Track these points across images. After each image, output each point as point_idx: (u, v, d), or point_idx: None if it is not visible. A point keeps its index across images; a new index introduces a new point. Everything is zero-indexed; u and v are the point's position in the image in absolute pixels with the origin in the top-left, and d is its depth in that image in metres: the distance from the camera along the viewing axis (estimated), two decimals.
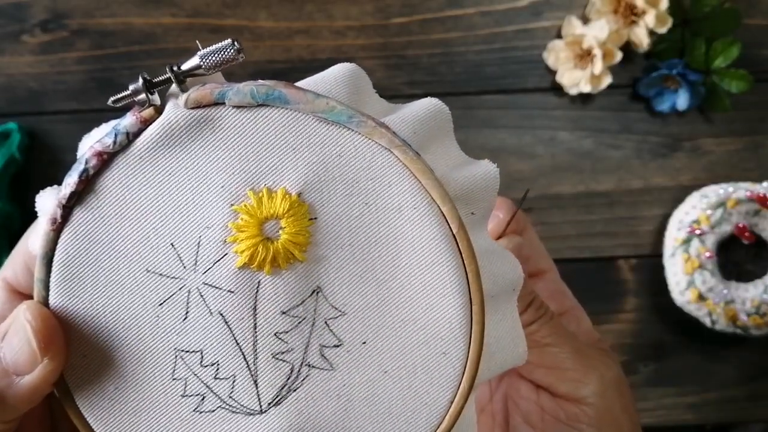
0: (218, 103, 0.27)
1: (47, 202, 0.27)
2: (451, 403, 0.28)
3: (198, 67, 0.26)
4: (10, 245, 0.68)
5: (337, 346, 0.28)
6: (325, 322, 0.28)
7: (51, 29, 0.72)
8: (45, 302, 0.28)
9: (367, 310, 0.28)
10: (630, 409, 0.39)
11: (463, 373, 0.28)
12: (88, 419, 0.28)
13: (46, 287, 0.27)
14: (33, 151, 0.72)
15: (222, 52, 0.26)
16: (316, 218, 0.27)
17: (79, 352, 0.28)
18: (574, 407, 0.37)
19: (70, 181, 0.27)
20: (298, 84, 0.27)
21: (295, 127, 0.27)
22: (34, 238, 0.28)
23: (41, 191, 0.28)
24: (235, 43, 0.26)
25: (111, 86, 0.71)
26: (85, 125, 0.29)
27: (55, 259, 0.27)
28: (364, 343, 0.28)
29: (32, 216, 0.28)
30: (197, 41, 0.27)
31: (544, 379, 0.37)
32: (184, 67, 0.27)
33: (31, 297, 0.28)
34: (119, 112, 0.27)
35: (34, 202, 0.28)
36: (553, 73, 0.72)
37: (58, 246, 0.27)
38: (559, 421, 0.38)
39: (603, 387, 0.37)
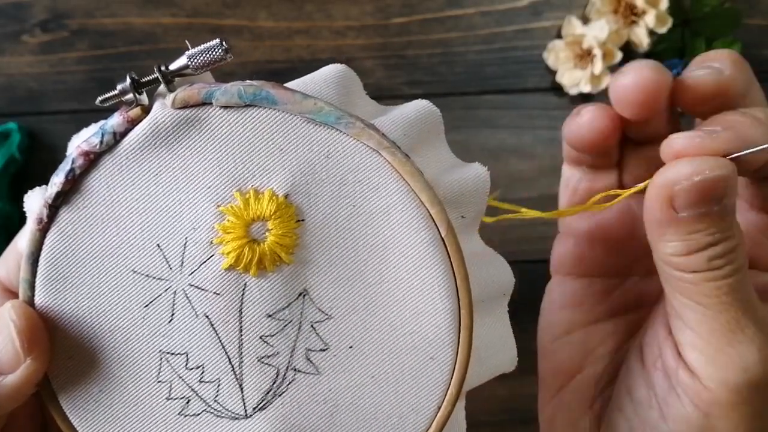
0: (206, 103, 0.26)
1: (34, 201, 0.27)
2: (439, 408, 0.28)
3: (186, 66, 0.26)
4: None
5: (324, 350, 0.27)
6: (312, 326, 0.27)
7: (51, 29, 0.72)
8: (30, 302, 0.27)
9: (354, 313, 0.27)
10: None
11: (452, 378, 0.27)
12: (72, 421, 0.28)
13: (32, 287, 0.27)
14: (33, 151, 0.72)
15: (209, 53, 0.26)
16: (303, 220, 0.27)
17: (64, 354, 0.27)
18: (695, 381, 0.30)
19: (57, 180, 0.27)
20: (288, 85, 0.27)
21: (282, 128, 0.26)
22: (23, 238, 0.28)
23: (29, 191, 0.28)
24: (223, 43, 0.26)
25: (111, 86, 0.70)
26: (85, 125, 0.29)
27: (41, 259, 0.27)
28: (351, 347, 0.27)
29: None
30: (186, 41, 0.27)
31: (680, 336, 0.31)
32: (172, 67, 0.26)
33: None
34: None
35: None
36: (553, 73, 0.72)
37: (44, 246, 0.27)
38: (668, 378, 0.32)
39: (734, 377, 0.29)
